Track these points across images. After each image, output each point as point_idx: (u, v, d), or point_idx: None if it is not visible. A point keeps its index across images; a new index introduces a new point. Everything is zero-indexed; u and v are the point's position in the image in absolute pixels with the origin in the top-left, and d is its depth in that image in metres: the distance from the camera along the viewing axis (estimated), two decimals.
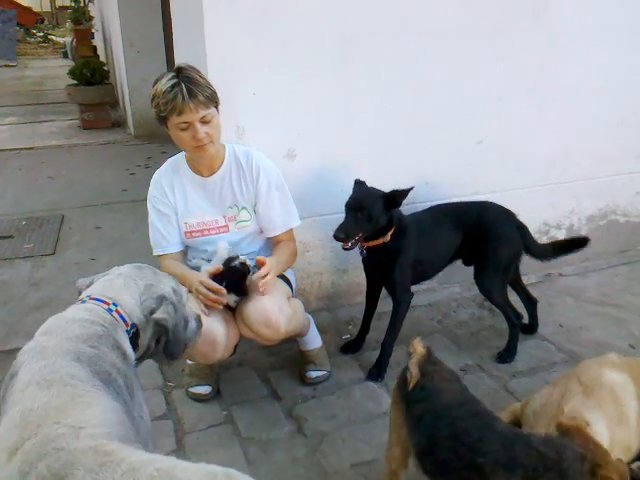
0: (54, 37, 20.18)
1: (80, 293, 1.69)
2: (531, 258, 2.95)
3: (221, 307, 2.35)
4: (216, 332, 2.33)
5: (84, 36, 9.01)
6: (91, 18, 9.13)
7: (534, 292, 3.15)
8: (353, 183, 2.71)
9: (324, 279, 3.29)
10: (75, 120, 8.20)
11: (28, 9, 21.62)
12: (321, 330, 2.88)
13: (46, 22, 23.35)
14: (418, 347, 1.86)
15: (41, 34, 20.47)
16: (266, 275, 2.31)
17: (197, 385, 2.63)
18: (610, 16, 3.48)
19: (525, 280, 3.16)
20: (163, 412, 2.54)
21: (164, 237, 2.50)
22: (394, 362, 2.79)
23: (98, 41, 10.57)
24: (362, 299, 2.98)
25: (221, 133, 2.39)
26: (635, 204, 3.99)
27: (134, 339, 1.61)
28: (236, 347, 2.55)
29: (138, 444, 1.29)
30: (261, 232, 2.59)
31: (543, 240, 3.68)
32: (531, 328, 3.09)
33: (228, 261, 2.37)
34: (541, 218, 3.70)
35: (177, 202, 2.49)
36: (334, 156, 3.06)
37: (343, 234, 2.52)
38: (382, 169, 3.07)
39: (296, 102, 2.92)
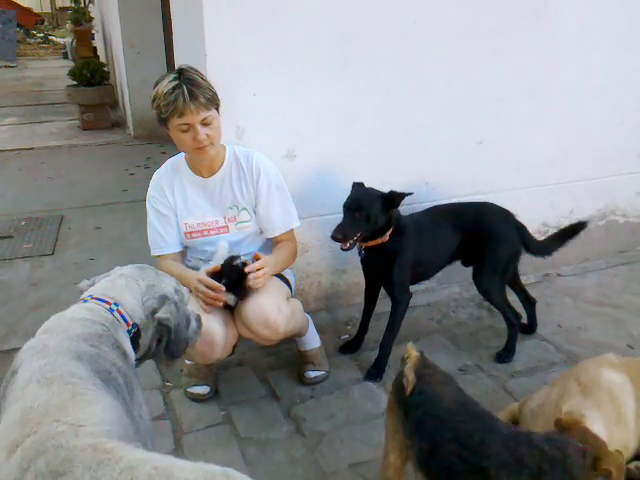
0: (54, 38, 20.22)
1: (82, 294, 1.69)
2: (533, 256, 2.95)
3: (221, 304, 2.35)
4: (215, 332, 2.33)
5: (84, 37, 9.02)
6: (91, 19, 9.14)
7: (533, 292, 3.15)
8: (351, 185, 2.71)
9: (323, 279, 3.29)
10: (75, 121, 8.21)
11: (28, 10, 21.64)
12: (320, 330, 2.88)
13: (46, 23, 23.39)
14: (412, 352, 1.85)
15: (41, 35, 20.51)
16: (259, 270, 2.31)
17: (195, 385, 2.63)
18: (610, 16, 3.48)
19: (524, 280, 3.16)
20: (161, 412, 2.54)
21: (163, 238, 2.50)
22: (393, 362, 2.79)
23: (98, 42, 10.58)
24: (361, 299, 2.98)
25: (221, 134, 2.39)
26: (634, 204, 3.99)
27: (135, 339, 1.61)
28: (235, 347, 2.55)
29: (138, 442, 1.29)
30: (261, 233, 2.59)
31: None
32: (530, 328, 3.09)
33: (228, 260, 2.37)
34: (540, 218, 3.70)
35: (177, 203, 2.49)
36: (334, 156, 3.06)
37: (341, 234, 2.52)
38: (382, 169, 3.08)
39: (296, 102, 2.92)
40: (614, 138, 3.75)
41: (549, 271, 3.71)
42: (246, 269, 2.31)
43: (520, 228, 2.89)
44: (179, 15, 3.22)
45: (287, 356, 2.90)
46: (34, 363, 1.34)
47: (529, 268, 3.48)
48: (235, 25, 2.70)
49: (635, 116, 3.76)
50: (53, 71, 13.37)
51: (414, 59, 3.09)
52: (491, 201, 2.99)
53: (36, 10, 23.81)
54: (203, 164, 2.44)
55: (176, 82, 2.20)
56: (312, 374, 2.72)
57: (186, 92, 2.18)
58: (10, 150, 6.86)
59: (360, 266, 2.90)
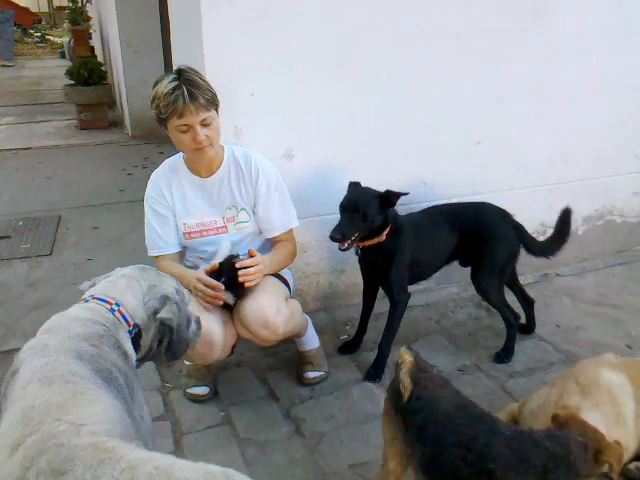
0: (52, 37, 20.19)
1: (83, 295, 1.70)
2: (534, 257, 2.95)
3: (220, 303, 2.35)
4: (214, 333, 2.33)
5: (82, 36, 9.00)
6: (89, 18, 9.12)
7: (531, 292, 3.15)
8: (347, 185, 2.71)
9: (322, 279, 3.29)
10: (72, 120, 8.20)
11: (26, 9, 21.60)
12: (319, 331, 2.88)
13: (44, 22, 23.36)
14: (406, 356, 1.82)
15: (39, 34, 20.48)
16: (250, 267, 2.31)
17: (195, 386, 2.63)
18: (610, 16, 3.48)
19: (522, 280, 3.16)
20: (161, 413, 2.53)
21: (161, 238, 2.49)
22: (392, 363, 2.79)
23: (96, 41, 10.57)
24: (359, 300, 2.98)
25: (220, 135, 2.39)
26: (632, 204, 4.00)
27: (136, 339, 1.62)
28: (234, 348, 2.55)
29: (139, 442, 1.29)
30: (260, 233, 2.59)
31: (540, 240, 3.69)
32: (528, 328, 3.09)
33: (227, 259, 2.36)
34: (538, 218, 3.70)
35: (175, 203, 2.48)
36: (332, 156, 3.06)
37: (339, 235, 2.52)
38: (381, 169, 3.08)
39: (295, 102, 2.91)
40: (613, 138, 3.76)
41: (547, 271, 3.71)
42: (237, 264, 2.31)
43: (518, 228, 2.90)
44: (177, 15, 3.22)
45: (286, 357, 2.90)
46: (35, 362, 1.34)
47: (528, 268, 3.49)
48: (233, 25, 2.70)
49: (634, 116, 3.77)
50: (51, 70, 13.34)
51: (414, 59, 3.09)
52: (490, 201, 2.99)
53: (34, 9, 23.78)
54: (202, 164, 2.44)
55: (176, 83, 2.19)
56: (311, 375, 2.72)
57: (186, 93, 2.17)
58: (7, 150, 6.85)
59: (358, 266, 2.90)
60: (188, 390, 2.63)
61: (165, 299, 1.69)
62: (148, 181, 2.53)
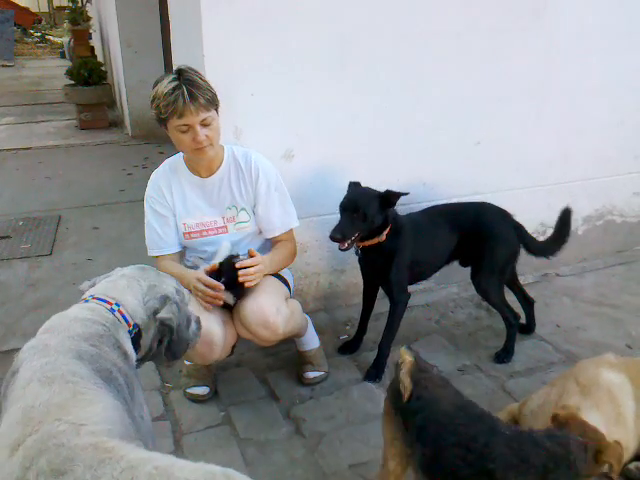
0: (52, 37, 20.19)
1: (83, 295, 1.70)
2: (534, 257, 2.95)
3: (221, 303, 2.35)
4: (214, 333, 2.33)
5: (82, 36, 9.00)
6: (89, 18, 9.12)
7: (531, 292, 3.15)
8: (347, 185, 2.71)
9: (322, 279, 3.29)
10: (72, 120, 8.20)
11: (26, 9, 21.60)
12: (319, 331, 2.88)
13: (44, 22, 23.36)
14: (406, 356, 1.81)
15: (39, 34, 20.48)
16: (250, 267, 2.31)
17: (195, 386, 2.63)
18: (609, 16, 3.48)
19: (522, 280, 3.16)
20: (161, 413, 2.53)
21: (161, 238, 2.49)
22: (392, 363, 2.79)
23: (96, 41, 10.56)
24: (360, 300, 2.98)
25: (220, 135, 2.39)
26: (632, 204, 4.00)
27: (136, 339, 1.62)
28: (234, 348, 2.55)
29: (139, 442, 1.30)
30: (260, 233, 2.59)
31: (540, 240, 3.69)
32: (528, 328, 3.09)
33: (227, 259, 2.36)
34: (538, 218, 3.70)
35: (175, 203, 2.48)
36: (332, 156, 3.06)
37: (340, 235, 2.52)
38: (381, 169, 3.08)
39: (295, 102, 2.91)
40: (613, 138, 3.76)
41: (548, 271, 3.71)
42: (237, 264, 2.31)
43: (518, 228, 2.90)
44: (177, 14, 3.22)
45: (286, 357, 2.90)
46: (35, 362, 1.34)
47: (528, 268, 3.49)
48: (233, 25, 2.70)
49: (634, 116, 3.77)
50: (51, 70, 13.34)
51: (414, 59, 3.09)
52: (490, 201, 2.99)
53: (34, 9, 23.77)
54: (202, 164, 2.44)
55: (176, 83, 2.19)
56: (311, 375, 2.72)
57: (186, 93, 2.17)
58: (7, 150, 6.85)
59: (358, 266, 2.90)
60: (188, 390, 2.63)
61: (165, 299, 1.69)
62: (148, 181, 2.53)
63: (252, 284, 2.34)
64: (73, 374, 1.32)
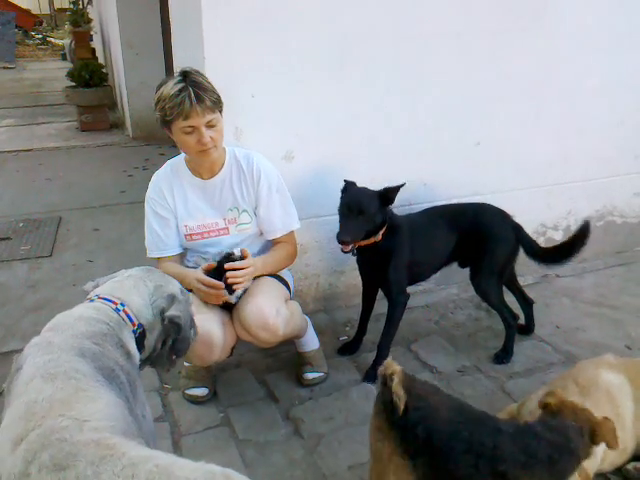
0: (53, 39, 20.20)
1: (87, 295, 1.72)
2: (529, 259, 2.94)
3: (224, 300, 2.35)
4: (213, 334, 2.33)
5: (83, 38, 9.01)
6: (90, 20, 9.14)
7: (531, 293, 3.15)
8: (343, 184, 2.70)
9: (321, 280, 3.29)
10: (73, 122, 8.20)
11: (27, 11, 21.63)
12: (318, 332, 2.88)
13: (45, 24, 23.36)
14: (395, 367, 1.73)
15: (40, 36, 20.48)
16: (240, 269, 2.30)
17: (194, 387, 2.63)
18: (609, 17, 3.49)
19: (522, 281, 3.16)
20: (160, 414, 2.53)
21: (162, 240, 2.49)
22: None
23: (97, 43, 10.57)
24: (359, 300, 2.98)
25: (224, 137, 2.39)
26: (632, 205, 4.00)
27: (140, 339, 1.63)
28: (233, 349, 2.55)
29: (140, 440, 1.31)
30: (261, 234, 2.59)
31: (540, 241, 3.69)
32: (528, 329, 3.09)
33: (224, 258, 2.36)
34: (538, 219, 3.71)
35: (177, 205, 2.48)
36: (332, 157, 3.06)
37: (349, 237, 2.51)
38: (380, 170, 3.08)
39: (295, 103, 2.92)
40: (613, 139, 3.76)
41: (547, 272, 3.70)
42: (226, 266, 2.30)
43: (517, 229, 2.89)
44: (178, 16, 3.22)
45: (285, 358, 2.90)
46: (38, 359, 1.36)
47: (527, 269, 3.48)
48: (234, 26, 2.70)
49: (634, 117, 3.77)
50: (52, 72, 13.35)
51: (414, 59, 3.09)
52: (490, 202, 2.99)
53: (35, 11, 23.79)
54: (204, 166, 2.44)
55: (182, 84, 2.20)
56: (311, 375, 2.72)
57: (192, 95, 2.18)
58: (8, 151, 6.85)
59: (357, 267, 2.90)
60: (187, 391, 2.63)
61: (173, 298, 1.72)
62: (149, 183, 2.53)
63: (240, 287, 2.34)
64: (76, 371, 1.34)
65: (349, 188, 2.68)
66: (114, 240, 4.35)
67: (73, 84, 7.79)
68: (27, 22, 20.63)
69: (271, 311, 2.35)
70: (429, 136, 3.26)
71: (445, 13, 3.08)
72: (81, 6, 9.59)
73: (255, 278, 2.47)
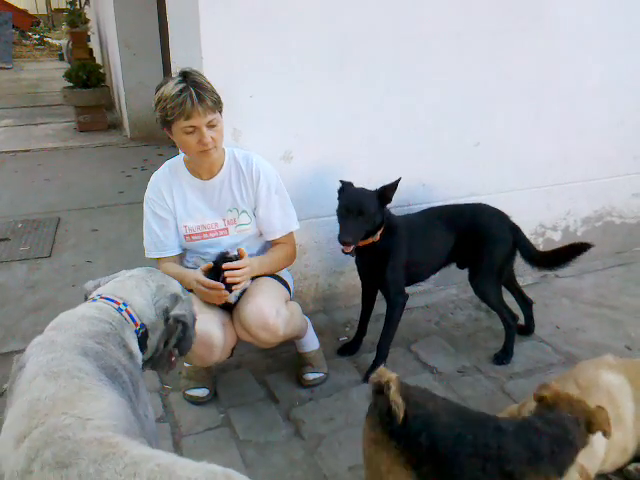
0: (50, 39, 20.18)
1: (86, 296, 1.72)
2: (523, 261, 2.93)
3: (225, 300, 2.35)
4: (213, 335, 2.33)
5: (80, 39, 8.99)
6: (87, 21, 9.11)
7: (530, 293, 3.15)
8: (341, 184, 2.69)
9: (321, 281, 3.29)
10: (71, 122, 8.19)
11: (24, 11, 21.61)
12: (318, 332, 2.87)
13: (42, 24, 23.33)
14: (390, 375, 1.70)
15: (37, 36, 20.46)
16: (237, 269, 2.30)
17: (194, 388, 2.63)
18: (608, 17, 3.49)
19: (521, 281, 3.16)
20: (160, 415, 2.52)
21: (161, 240, 2.49)
22: (391, 364, 2.80)
23: (94, 43, 10.56)
24: (359, 301, 2.98)
25: (224, 138, 2.39)
26: (631, 206, 4.00)
27: (143, 339, 1.64)
28: (233, 350, 2.55)
29: (143, 439, 1.31)
30: (260, 235, 2.59)
31: (539, 241, 3.70)
32: (528, 329, 3.09)
33: (220, 258, 2.36)
34: (537, 220, 3.71)
35: (176, 205, 2.48)
36: (332, 157, 3.06)
37: (350, 237, 2.51)
38: (379, 171, 3.06)
39: (293, 104, 2.92)
40: (612, 139, 3.76)
41: (546, 272, 3.70)
42: (223, 266, 2.31)
43: (515, 230, 2.88)
44: (175, 16, 3.22)
45: (286, 358, 2.90)
46: (41, 357, 1.37)
47: (526, 269, 3.47)
48: (232, 25, 2.70)
49: (633, 117, 3.77)
50: (49, 73, 13.35)
51: (414, 59, 3.09)
52: (489, 202, 2.99)
53: (32, 12, 23.77)
54: (203, 167, 2.44)
55: (183, 85, 2.20)
56: (311, 376, 2.72)
57: (194, 94, 2.18)
58: (6, 152, 6.84)
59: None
60: (187, 392, 2.63)
61: (176, 298, 1.73)
62: (147, 183, 2.52)
63: (238, 287, 2.34)
64: (79, 370, 1.34)
65: (347, 188, 2.68)
66: (113, 240, 4.35)
67: (71, 84, 7.78)
68: (24, 22, 20.61)
69: (271, 311, 2.35)
70: (429, 136, 3.26)
71: (445, 13, 3.08)
72: (78, 6, 9.58)
73: (254, 278, 2.47)
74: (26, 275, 3.81)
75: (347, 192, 2.66)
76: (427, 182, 3.32)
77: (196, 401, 2.61)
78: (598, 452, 1.94)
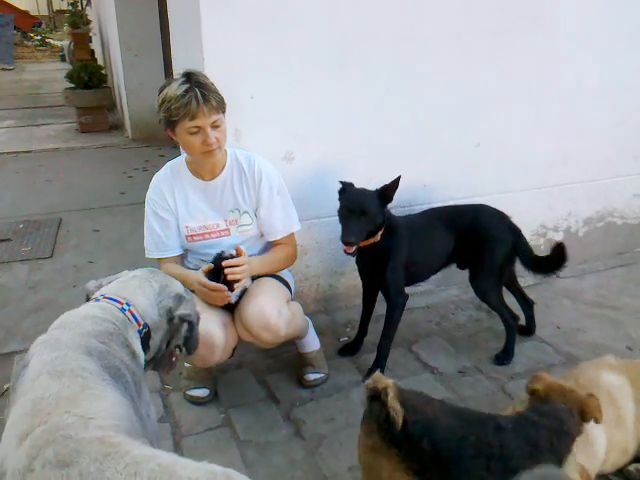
0: (52, 40, 20.19)
1: (87, 295, 1.73)
2: (523, 265, 2.92)
3: (228, 300, 2.36)
4: (215, 335, 2.33)
5: (82, 39, 9.00)
6: (89, 22, 9.13)
7: (531, 294, 3.15)
8: (341, 185, 2.69)
9: (322, 281, 3.29)
10: (73, 123, 8.20)
11: (25, 12, 21.62)
12: (319, 332, 2.87)
13: (44, 25, 23.35)
14: (386, 381, 1.69)
15: (39, 37, 20.47)
16: (237, 266, 2.31)
17: (195, 388, 2.63)
18: (609, 17, 3.49)
19: (522, 282, 3.16)
20: (161, 415, 2.52)
21: (163, 241, 2.49)
22: (392, 364, 2.80)
23: (96, 44, 10.58)
24: (359, 301, 2.98)
25: (227, 138, 2.40)
26: (632, 206, 4.00)
27: (145, 339, 1.64)
28: (234, 350, 2.55)
29: (144, 439, 1.31)
30: (262, 236, 2.59)
31: (540, 242, 3.69)
32: (528, 330, 3.09)
33: (217, 258, 2.36)
34: (538, 220, 3.71)
35: (178, 206, 2.48)
36: (332, 157, 3.06)
37: (353, 238, 2.51)
38: (380, 171, 3.05)
39: (294, 104, 2.92)
40: (613, 139, 3.76)
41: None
42: (223, 264, 2.31)
43: (515, 232, 2.88)
44: (176, 17, 3.22)
45: (286, 358, 2.90)
46: (45, 356, 1.37)
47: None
48: (233, 26, 2.70)
49: (634, 117, 3.77)
50: (51, 74, 13.36)
51: (414, 59, 3.10)
52: (490, 203, 2.99)
53: (33, 13, 23.79)
54: (206, 167, 2.44)
55: (187, 85, 2.20)
56: (312, 376, 2.72)
57: (199, 95, 2.19)
58: (8, 153, 6.85)
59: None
60: (188, 392, 2.63)
61: (180, 298, 1.74)
62: (149, 184, 2.53)
63: (239, 285, 2.35)
64: (82, 369, 1.35)
65: (347, 189, 2.68)
66: (114, 241, 4.35)
67: (72, 85, 7.79)
68: (26, 23, 20.62)
69: (273, 311, 2.35)
70: (429, 136, 3.26)
71: (445, 13, 3.09)
72: (80, 7, 9.58)
73: (255, 279, 2.47)
74: (27, 276, 3.82)
75: (348, 192, 2.66)
76: (428, 183, 3.32)
77: (197, 401, 2.61)
78: (598, 453, 1.94)
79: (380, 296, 2.89)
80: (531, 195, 3.62)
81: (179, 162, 2.52)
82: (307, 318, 2.75)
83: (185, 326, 1.74)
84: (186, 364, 2.65)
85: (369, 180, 2.74)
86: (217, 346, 2.35)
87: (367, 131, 3.10)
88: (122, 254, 4.07)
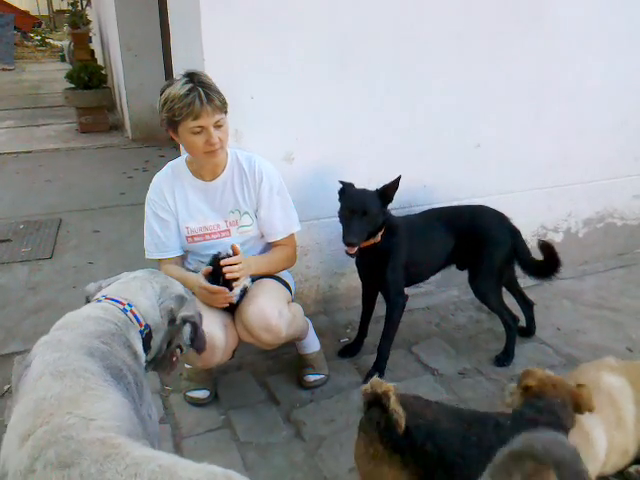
0: (52, 41, 20.20)
1: (87, 298, 1.73)
2: (521, 268, 2.92)
3: (230, 301, 2.36)
4: (215, 336, 2.32)
5: (82, 40, 8.99)
6: (89, 22, 9.12)
7: (531, 295, 3.15)
8: (342, 186, 2.69)
9: (322, 282, 3.29)
10: (73, 124, 8.20)
11: (25, 13, 21.64)
12: (319, 334, 2.87)
13: (44, 26, 23.37)
14: (386, 385, 1.68)
15: (38, 38, 20.48)
16: (234, 264, 2.30)
17: (195, 389, 2.63)
18: (609, 18, 3.49)
19: (522, 283, 3.15)
20: (161, 416, 2.52)
21: (163, 242, 2.49)
22: (392, 365, 2.79)
23: (96, 45, 10.58)
24: (360, 302, 2.97)
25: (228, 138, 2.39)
26: (632, 207, 4.00)
27: (147, 340, 1.64)
28: (234, 351, 2.54)
29: (145, 440, 1.32)
30: (262, 236, 2.59)
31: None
32: (529, 331, 3.09)
33: (214, 260, 2.35)
34: (538, 221, 3.70)
35: (178, 207, 2.48)
36: (331, 158, 3.06)
37: (356, 238, 2.51)
38: (380, 172, 3.05)
39: (294, 105, 2.92)
40: (613, 140, 3.76)
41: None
42: (221, 262, 2.30)
43: (514, 233, 2.88)
44: (177, 17, 3.22)
45: (286, 360, 2.90)
46: (48, 356, 1.37)
47: None
48: (233, 26, 2.70)
49: (634, 118, 3.77)
50: (51, 74, 13.35)
51: (414, 60, 3.09)
52: (490, 204, 2.99)
53: (33, 13, 23.81)
54: (207, 168, 2.44)
55: (190, 85, 2.20)
56: (312, 378, 2.72)
57: (202, 94, 2.19)
58: (8, 153, 6.85)
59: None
60: (188, 393, 2.63)
61: (182, 299, 1.75)
62: (149, 184, 2.52)
63: (239, 283, 2.34)
64: (84, 370, 1.35)
65: (348, 189, 2.67)
66: (114, 242, 4.35)
67: (72, 86, 7.79)
68: (26, 24, 20.64)
69: (273, 312, 2.35)
70: (429, 137, 3.26)
71: (445, 13, 3.08)
72: (80, 8, 9.58)
73: (256, 280, 2.47)
74: (27, 276, 3.81)
75: (349, 193, 2.65)
76: (428, 183, 3.32)
77: (197, 403, 2.61)
78: (599, 454, 1.94)
79: (380, 297, 2.89)
80: (531, 196, 3.62)
81: (179, 162, 2.52)
82: (307, 319, 2.75)
83: (189, 327, 1.74)
84: (186, 365, 2.65)
85: (369, 180, 2.74)
86: (218, 347, 2.34)
87: (367, 131, 3.10)
88: (122, 255, 4.07)
